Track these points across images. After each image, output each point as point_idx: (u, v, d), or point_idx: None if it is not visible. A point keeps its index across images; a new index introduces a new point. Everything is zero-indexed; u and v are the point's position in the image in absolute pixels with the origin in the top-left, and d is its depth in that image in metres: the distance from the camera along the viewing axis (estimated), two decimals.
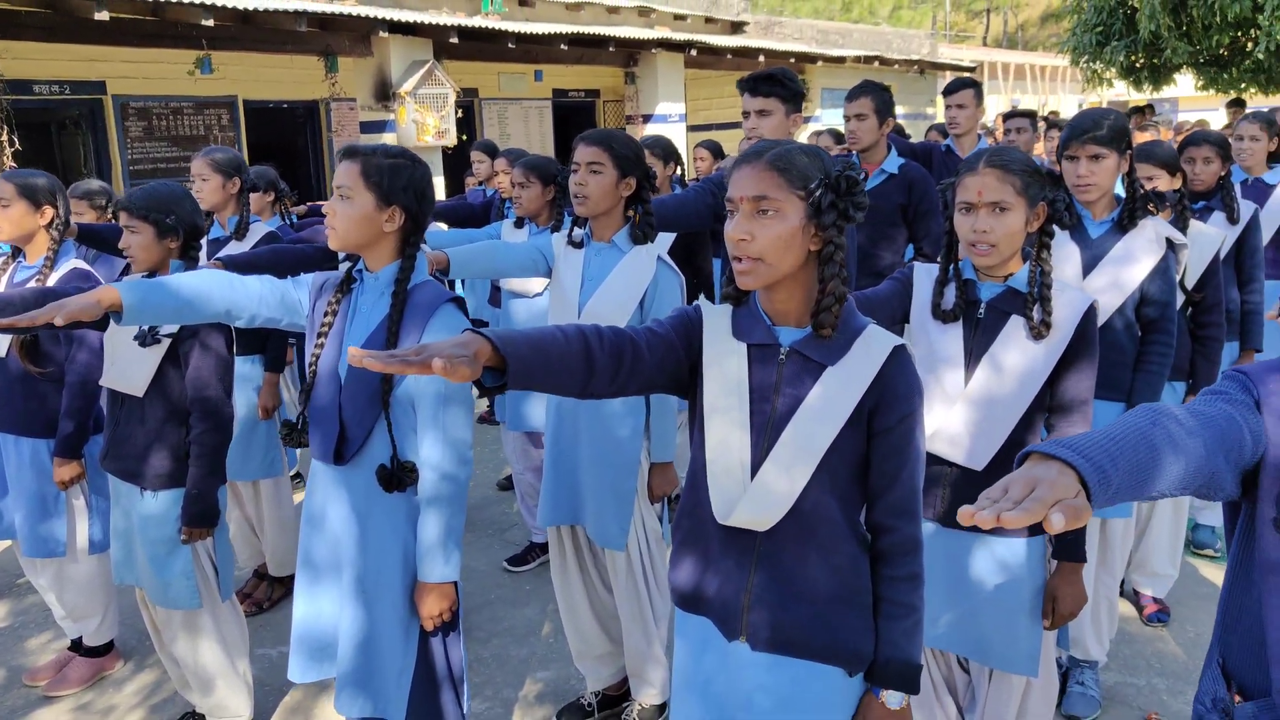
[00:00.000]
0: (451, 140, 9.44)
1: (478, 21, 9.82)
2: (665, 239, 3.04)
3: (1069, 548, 2.09)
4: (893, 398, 1.58)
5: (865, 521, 1.66)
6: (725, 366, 1.64)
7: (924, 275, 2.25)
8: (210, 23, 7.51)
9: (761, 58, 13.20)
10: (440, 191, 9.56)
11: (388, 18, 8.66)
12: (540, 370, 1.43)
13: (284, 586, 3.97)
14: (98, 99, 10.35)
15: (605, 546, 2.81)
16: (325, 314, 2.19)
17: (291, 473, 4.41)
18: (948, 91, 4.64)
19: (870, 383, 1.57)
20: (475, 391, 1.70)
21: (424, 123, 9.08)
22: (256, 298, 2.14)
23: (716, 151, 6.39)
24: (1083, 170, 2.77)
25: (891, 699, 1.61)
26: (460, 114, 10.53)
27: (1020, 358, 2.08)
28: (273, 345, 3.72)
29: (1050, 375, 2.08)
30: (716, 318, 1.68)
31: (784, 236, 1.53)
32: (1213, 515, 4.24)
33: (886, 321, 2.22)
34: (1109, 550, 2.97)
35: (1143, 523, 3.54)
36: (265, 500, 3.79)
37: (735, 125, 14.76)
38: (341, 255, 3.58)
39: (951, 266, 2.19)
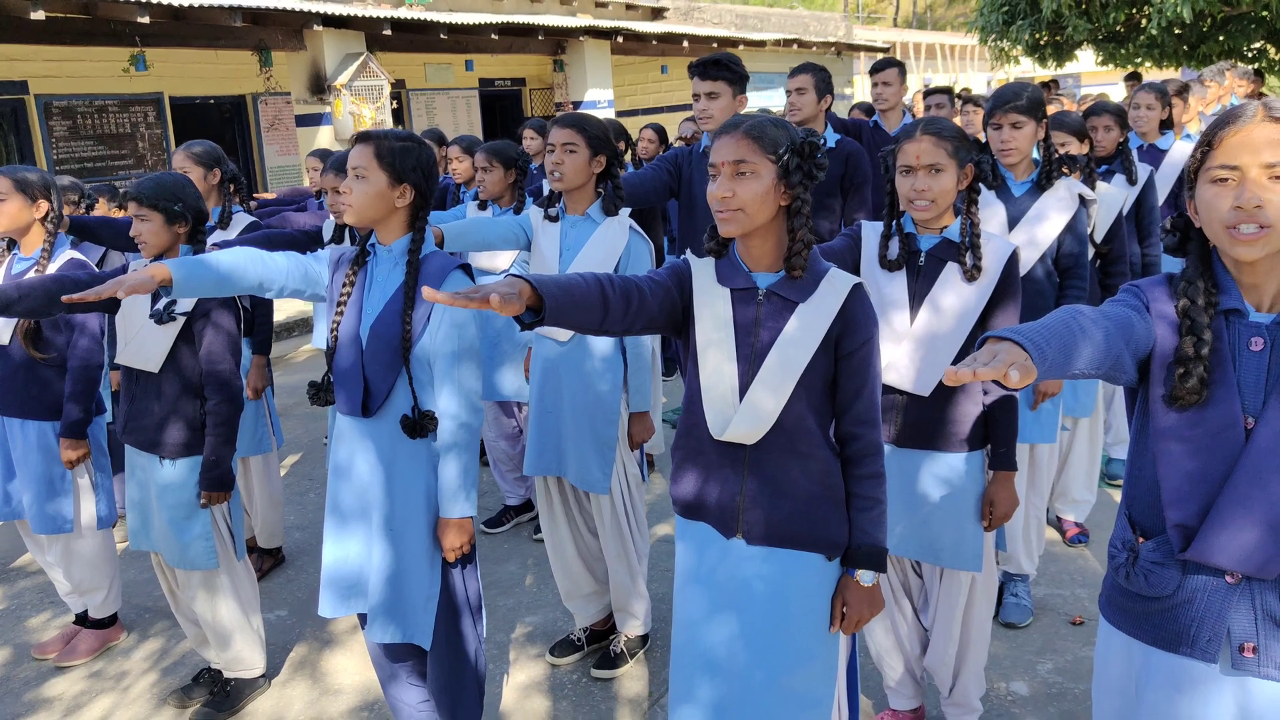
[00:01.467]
0: None
1: (410, 13, 9.95)
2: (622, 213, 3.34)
3: (1002, 458, 2.44)
4: (854, 326, 1.90)
5: (834, 431, 1.98)
6: (714, 308, 1.94)
7: (870, 231, 2.57)
8: (145, 20, 7.54)
9: (685, 43, 13.52)
10: None
11: (321, 11, 8.76)
12: (569, 308, 1.71)
13: (273, 558, 4.18)
14: (20, 99, 10.24)
15: (590, 491, 3.09)
16: (344, 285, 2.43)
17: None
18: (874, 70, 5.00)
19: (835, 314, 1.89)
20: None
21: (360, 114, 9.21)
22: (284, 271, 2.38)
23: (662, 134, 6.73)
24: (1005, 136, 3.13)
25: (865, 577, 1.94)
26: (395, 105, 10.64)
27: (956, 299, 2.42)
28: (260, 328, 3.91)
29: (982, 313, 2.42)
30: (702, 268, 1.98)
31: (759, 193, 1.83)
32: (1121, 450, 4.68)
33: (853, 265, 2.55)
34: (1037, 473, 3.35)
35: (1063, 456, 3.94)
36: (255, 476, 3.99)
37: (661, 110, 15.10)
38: (328, 237, 3.80)
39: (895, 222, 2.52)
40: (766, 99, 15.63)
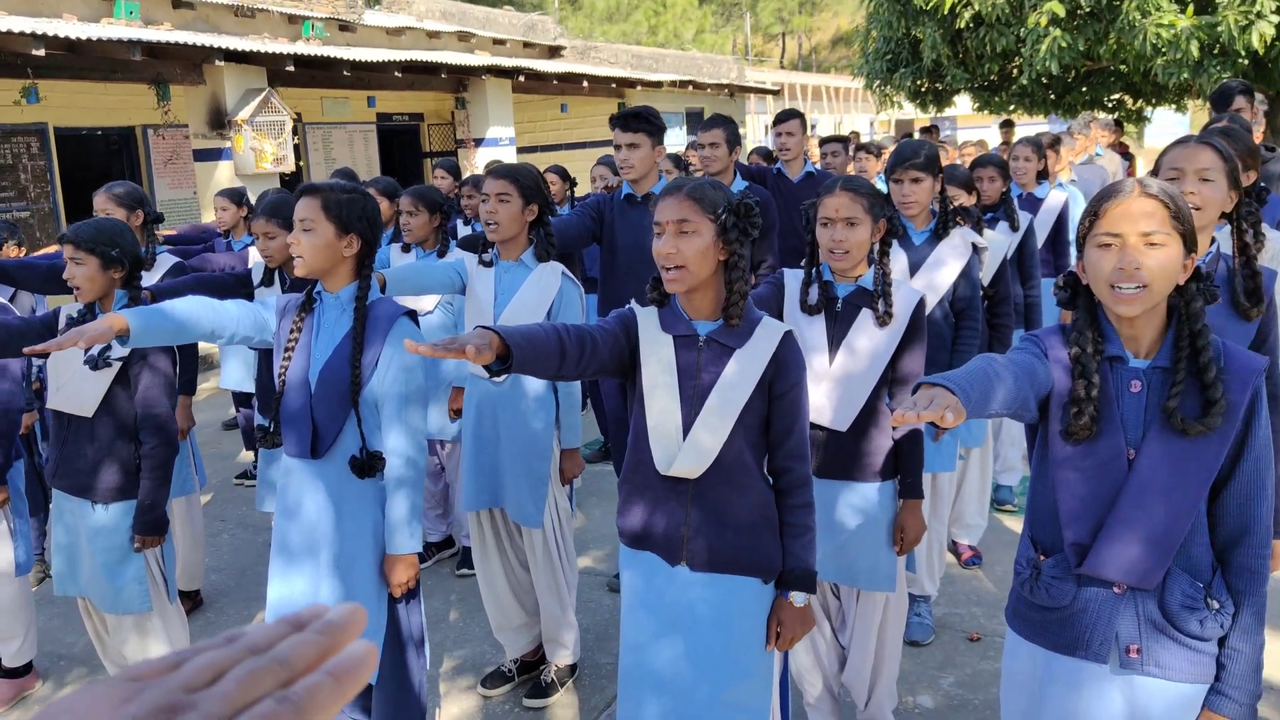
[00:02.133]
0: (290, 166, 9.53)
1: (311, 49, 9.93)
2: None
3: (910, 487, 2.67)
4: (786, 370, 2.09)
5: (768, 465, 2.16)
6: (659, 354, 2.11)
7: (793, 278, 2.79)
8: (40, 52, 7.38)
9: (585, 83, 13.78)
10: None
11: (222, 46, 8.69)
12: (532, 356, 1.86)
13: (192, 600, 4.15)
14: None
15: (524, 525, 3.21)
16: (291, 331, 2.52)
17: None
18: (777, 121, 5.29)
19: (769, 359, 2.08)
20: None
21: (262, 150, 9.14)
22: (236, 319, 2.45)
23: (564, 175, 6.92)
24: (905, 190, 3.41)
25: (797, 598, 2.13)
26: (297, 140, 10.56)
27: (869, 342, 2.65)
28: (185, 369, 3.91)
29: (892, 355, 2.66)
30: (647, 316, 2.15)
31: (700, 249, 2.01)
32: (1009, 478, 5.03)
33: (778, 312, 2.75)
34: (938, 500, 3.62)
35: (957, 485, 4.24)
36: (177, 518, 3.96)
37: (560, 147, 15.32)
38: (256, 281, 3.84)
39: (814, 270, 2.74)
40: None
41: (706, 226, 2.02)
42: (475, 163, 12.61)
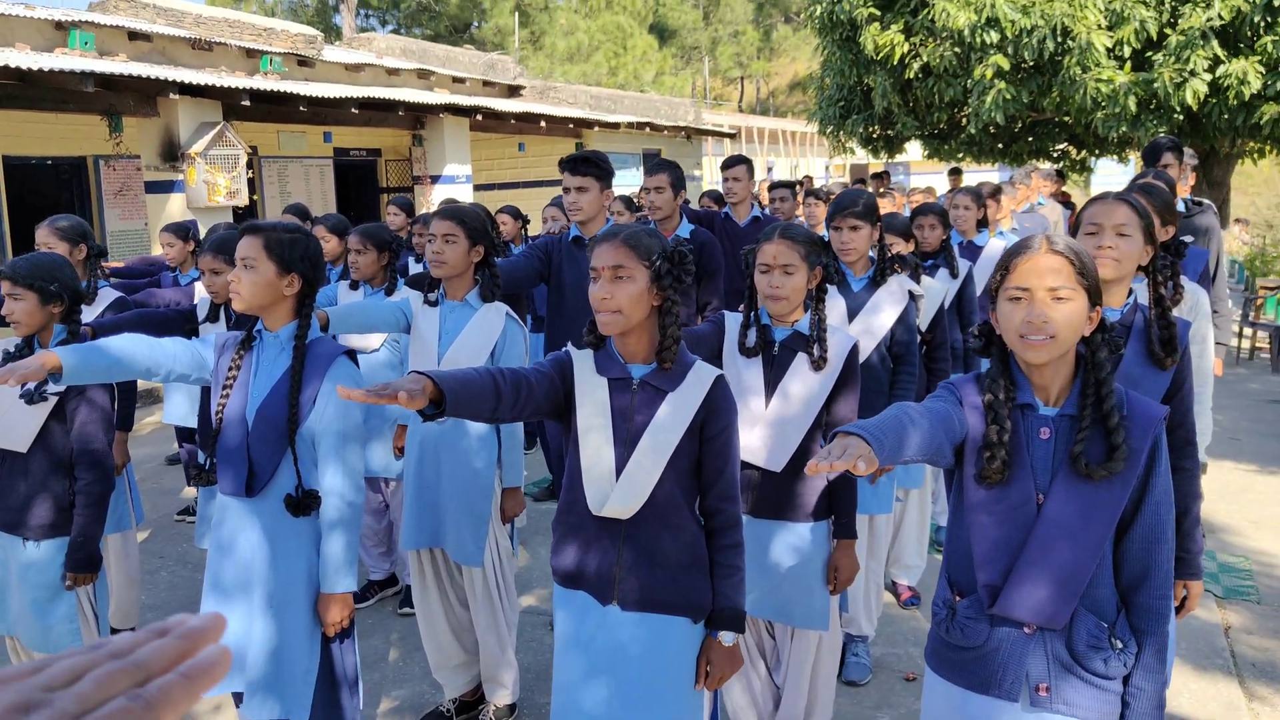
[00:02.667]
0: (243, 200, 9.49)
1: (268, 84, 9.94)
2: None
3: (844, 528, 2.73)
4: (717, 413, 2.15)
5: (700, 506, 2.21)
6: (594, 396, 2.16)
7: (733, 321, 2.85)
8: None
9: (543, 123, 13.90)
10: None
11: (177, 79, 8.67)
12: (466, 400, 1.89)
13: None
14: None
15: (464, 563, 3.22)
16: (230, 368, 2.53)
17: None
18: (725, 166, 5.40)
19: (701, 402, 2.13)
20: None
21: (215, 183, 9.10)
22: (173, 356, 2.46)
23: (516, 214, 6.98)
24: (844, 238, 3.50)
25: (726, 638, 2.17)
26: (251, 174, 10.53)
27: (804, 386, 2.72)
28: (123, 405, 3.88)
29: (827, 399, 2.72)
30: (582, 360, 2.19)
31: (634, 294, 2.07)
32: (947, 519, 5.11)
33: (706, 354, 2.81)
34: (875, 541, 3.68)
35: (896, 525, 4.31)
36: (112, 554, 3.91)
37: (518, 185, 15.41)
38: (202, 315, 3.84)
39: (753, 314, 2.81)
40: (621, 177, 16.17)
41: (641, 272, 2.08)
42: (431, 199, 12.64)
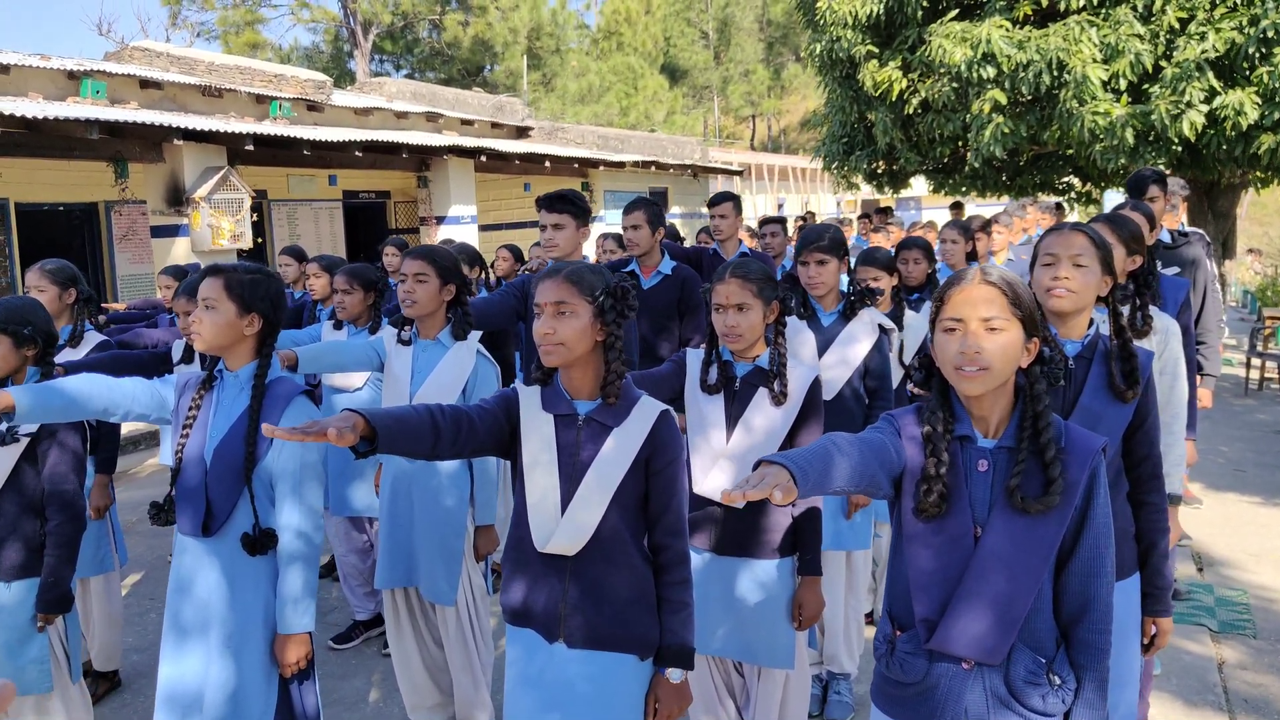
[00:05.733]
0: (247, 243, 9.60)
1: (272, 128, 10.09)
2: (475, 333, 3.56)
3: (809, 564, 2.71)
4: (662, 448, 2.14)
5: (647, 542, 2.20)
6: (540, 432, 2.16)
7: (694, 358, 2.85)
8: None
9: (547, 163, 14.03)
10: None
11: (182, 125, 8.82)
12: (400, 437, 1.90)
13: (109, 681, 4.08)
14: None
15: (437, 602, 3.21)
16: (190, 408, 2.55)
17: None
18: (711, 204, 5.43)
19: (646, 437, 2.13)
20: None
21: (219, 227, 9.22)
22: (130, 397, 2.48)
23: (517, 254, 7.01)
24: (812, 272, 3.50)
25: (674, 675, 2.15)
26: (255, 217, 10.66)
27: (765, 420, 2.71)
28: (104, 447, 3.91)
29: (789, 432, 2.71)
30: (529, 396, 2.20)
31: (577, 329, 2.08)
32: None
33: (668, 394, 2.81)
34: (854, 577, 3.64)
35: (883, 559, 4.26)
36: (94, 595, 3.92)
37: (523, 225, 15.52)
38: (176, 359, 3.87)
39: (714, 351, 2.81)
40: None
41: (583, 308, 2.09)
42: (436, 240, 12.75)
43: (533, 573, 2.16)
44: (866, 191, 18.64)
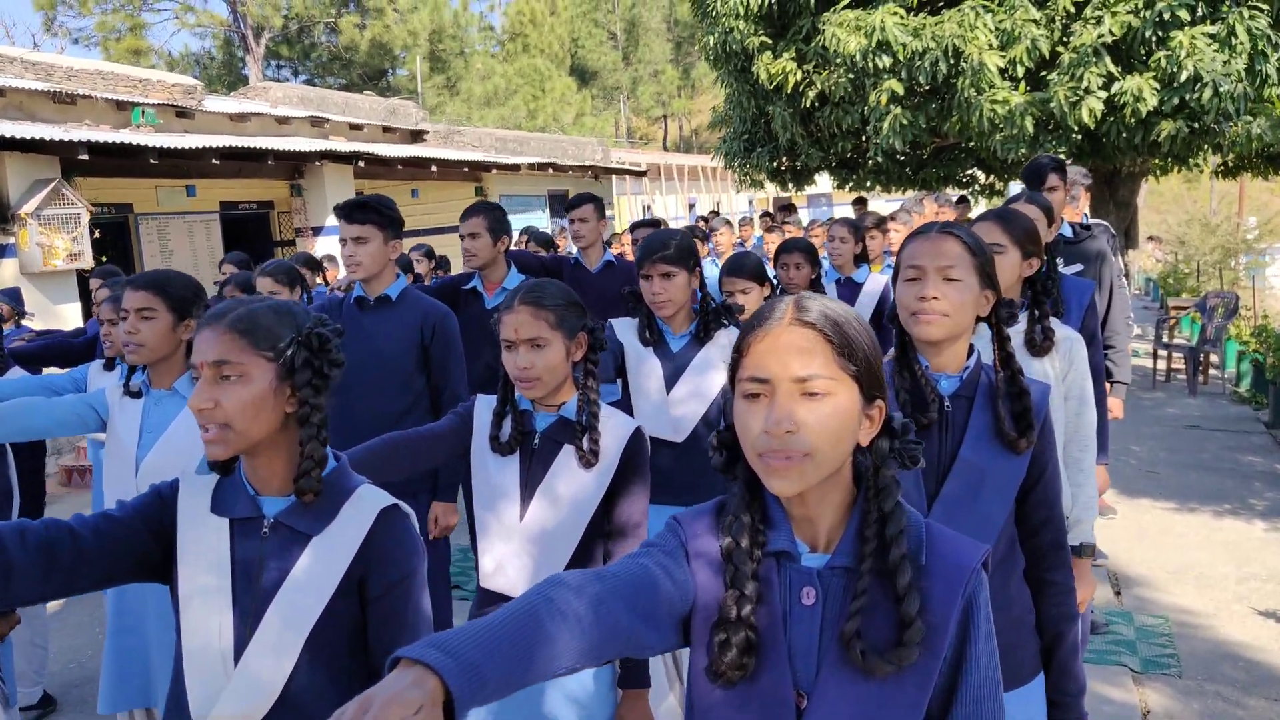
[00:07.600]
0: (87, 263, 8.66)
1: (117, 136, 9.16)
2: None
3: (631, 675, 2.10)
4: (383, 563, 1.50)
5: None
6: (204, 544, 1.50)
7: (484, 407, 2.22)
8: None
9: (434, 167, 13.27)
10: (78, 319, 8.69)
11: (3, 134, 7.87)
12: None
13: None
14: None
15: None
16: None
17: None
18: (569, 207, 4.79)
19: (357, 549, 1.48)
20: None
21: (52, 246, 8.28)
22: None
23: (430, 254, 6.62)
24: (656, 288, 2.89)
25: None
26: (98, 234, 9.71)
27: (571, 487, 2.09)
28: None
29: (603, 501, 2.10)
30: (195, 493, 1.53)
31: (249, 401, 1.43)
32: None
33: (445, 457, 2.17)
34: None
35: None
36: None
37: (417, 232, 14.71)
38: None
39: (508, 399, 2.18)
40: (524, 220, 15.57)
41: (261, 369, 1.44)
42: (315, 252, 11.90)
43: None
44: (775, 189, 18.26)
